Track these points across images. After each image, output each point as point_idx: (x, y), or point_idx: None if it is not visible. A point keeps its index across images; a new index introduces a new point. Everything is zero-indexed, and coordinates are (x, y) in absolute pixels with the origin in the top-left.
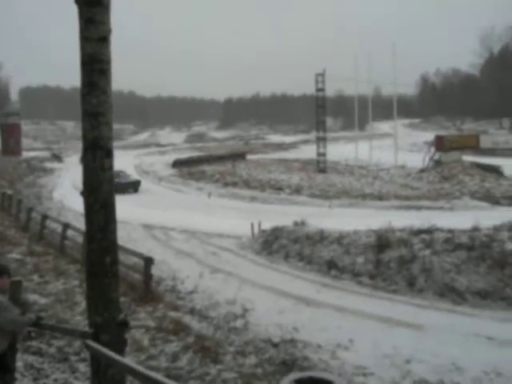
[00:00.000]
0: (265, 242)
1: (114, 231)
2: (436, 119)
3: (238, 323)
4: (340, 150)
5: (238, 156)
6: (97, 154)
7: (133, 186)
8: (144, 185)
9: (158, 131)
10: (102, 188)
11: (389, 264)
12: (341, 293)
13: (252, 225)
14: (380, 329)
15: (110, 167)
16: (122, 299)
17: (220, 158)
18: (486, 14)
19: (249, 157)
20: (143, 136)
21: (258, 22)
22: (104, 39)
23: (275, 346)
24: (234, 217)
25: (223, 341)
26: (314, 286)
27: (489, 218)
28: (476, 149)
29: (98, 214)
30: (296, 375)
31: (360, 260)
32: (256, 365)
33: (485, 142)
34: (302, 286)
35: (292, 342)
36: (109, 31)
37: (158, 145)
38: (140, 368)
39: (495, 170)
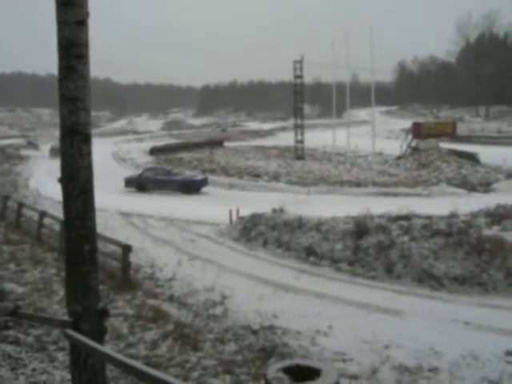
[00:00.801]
0: (243, 228)
1: (92, 219)
2: (413, 106)
3: (217, 310)
4: (318, 137)
5: (216, 143)
6: (75, 140)
7: (193, 185)
8: (121, 172)
9: (135, 118)
10: (80, 174)
11: (367, 250)
12: (319, 279)
13: (230, 212)
14: (359, 315)
15: (89, 153)
16: (100, 287)
17: (198, 145)
18: (464, 2)
19: (226, 144)
20: (120, 123)
21: (235, 8)
22: (82, 23)
23: (255, 332)
24: (212, 204)
25: (202, 328)
26: (292, 272)
27: (466, 204)
28: (453, 136)
29: (76, 202)
30: (284, 363)
31: (338, 246)
32: (236, 352)
33: (461, 129)
34: (280, 273)
35: (271, 328)
36: (86, 15)
37: (135, 132)
38: (120, 356)
39: (472, 157)
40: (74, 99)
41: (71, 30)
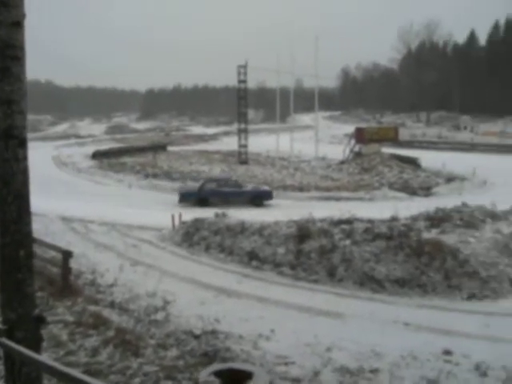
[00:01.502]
0: (185, 233)
1: (28, 224)
2: (356, 112)
3: (159, 316)
4: (261, 142)
5: (159, 147)
6: (10, 144)
7: (264, 197)
8: (62, 177)
9: (78, 122)
10: (15, 179)
11: (309, 254)
12: (262, 283)
13: (173, 216)
14: (301, 318)
15: (25, 157)
16: (38, 294)
17: (141, 150)
18: (405, 12)
19: (170, 148)
20: (62, 127)
21: (181, 14)
22: (17, 24)
23: (197, 337)
24: (154, 208)
25: (144, 334)
26: (235, 276)
27: (407, 208)
28: (395, 141)
29: (11, 206)
30: (215, 367)
31: (281, 250)
32: (177, 357)
33: (403, 134)
34: (223, 277)
35: (213, 333)
36: (23, 16)
37: (78, 136)
38: (56, 365)
39: (413, 162)
40: (10, 102)
41: (6, 31)
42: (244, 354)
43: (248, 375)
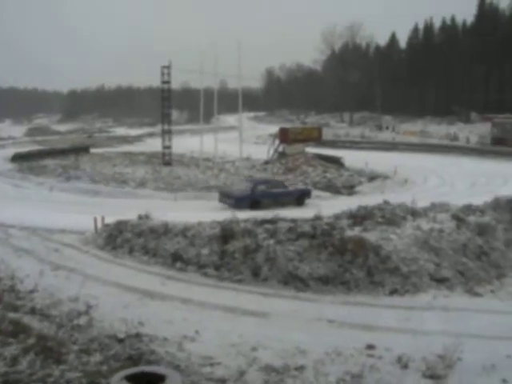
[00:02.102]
0: (108, 236)
1: None
2: (281, 112)
3: (82, 320)
4: (186, 143)
5: (82, 149)
6: None
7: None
8: None
9: None
10: None
11: (233, 254)
12: (186, 285)
13: (95, 219)
14: (226, 319)
15: None
16: None
17: (62, 152)
18: (329, 13)
19: (93, 150)
20: None
21: (105, 11)
22: None
23: (121, 341)
24: (77, 211)
25: (66, 340)
26: (159, 279)
27: (330, 206)
28: (319, 141)
29: None
30: (127, 371)
31: (205, 251)
32: (101, 362)
33: (327, 134)
34: (146, 280)
35: (138, 336)
36: None
37: None
38: None
39: (336, 161)
40: None
41: None
42: (169, 357)
43: (161, 378)
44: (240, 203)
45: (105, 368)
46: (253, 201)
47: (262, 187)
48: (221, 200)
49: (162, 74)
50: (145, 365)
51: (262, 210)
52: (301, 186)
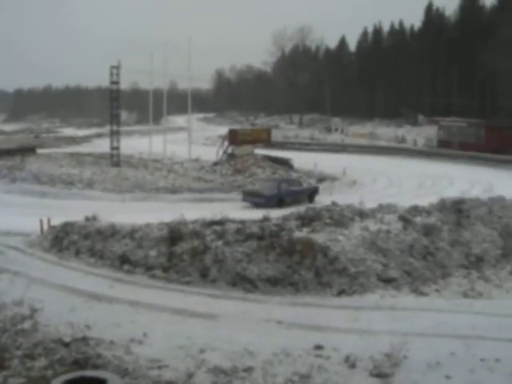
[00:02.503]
0: (54, 238)
1: None
2: (230, 114)
3: (26, 325)
4: (135, 144)
5: (28, 150)
6: None
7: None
8: None
9: None
10: None
11: (182, 256)
12: (134, 287)
13: (41, 221)
14: (174, 321)
15: None
16: None
17: (8, 152)
18: (279, 15)
19: (39, 151)
20: None
21: (51, 10)
22: None
23: (66, 345)
24: (22, 213)
25: (10, 345)
26: (106, 281)
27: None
28: (268, 142)
29: None
30: (67, 376)
31: (153, 253)
32: (46, 367)
33: (276, 136)
34: (93, 282)
35: (84, 340)
36: None
37: None
38: None
39: (285, 163)
40: None
41: None
42: (116, 360)
43: (101, 382)
44: (270, 201)
45: (50, 373)
46: (279, 199)
47: (284, 185)
48: (245, 199)
49: (111, 74)
50: (91, 369)
51: (285, 207)
52: (312, 184)
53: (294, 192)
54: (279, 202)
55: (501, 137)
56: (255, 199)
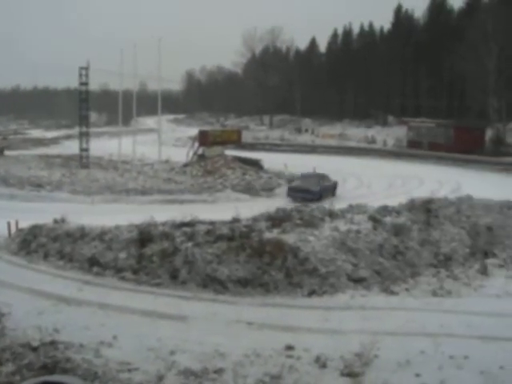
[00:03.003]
0: (22, 241)
1: None
2: (201, 115)
3: None
4: (104, 146)
5: None
6: None
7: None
8: None
9: None
10: None
11: (151, 258)
12: (103, 289)
13: (9, 224)
14: (144, 323)
15: None
16: None
17: None
18: (250, 16)
19: (7, 153)
20: None
21: (21, 11)
22: None
23: (35, 350)
24: None
25: None
26: (75, 284)
27: (249, 209)
28: (238, 143)
29: None
30: (29, 381)
31: (122, 255)
32: (13, 372)
33: (247, 137)
34: (62, 285)
35: (53, 344)
36: None
37: None
38: None
39: (256, 164)
40: None
41: None
42: (85, 364)
43: None
44: (316, 196)
45: (17, 378)
46: (321, 194)
47: (322, 181)
48: (290, 195)
49: (80, 76)
50: (60, 373)
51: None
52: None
53: (326, 187)
54: (321, 196)
55: (469, 137)
56: (303, 195)
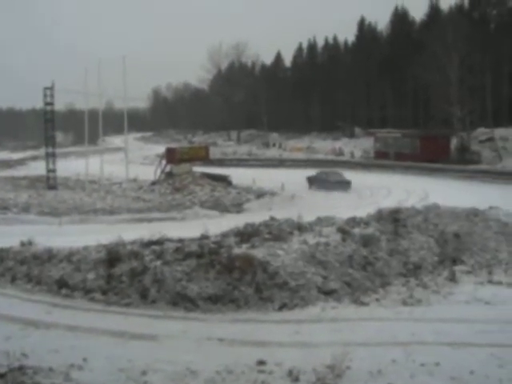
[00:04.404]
0: None
1: None
2: (168, 132)
3: None
4: (71, 166)
5: None
6: None
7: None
8: None
9: None
10: None
11: (120, 278)
12: (72, 311)
13: None
14: (114, 344)
15: None
16: None
17: None
18: (215, 32)
19: None
20: None
21: None
22: None
23: (2, 376)
24: None
25: None
26: (43, 307)
27: (218, 225)
28: (206, 160)
29: None
30: None
31: (91, 276)
32: None
33: (215, 153)
34: (30, 309)
35: (21, 369)
36: None
37: None
38: None
39: (224, 180)
40: None
41: None
42: None
43: None
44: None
45: None
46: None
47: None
48: (317, 186)
49: (45, 96)
50: None
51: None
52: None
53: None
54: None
55: (435, 146)
56: (334, 186)
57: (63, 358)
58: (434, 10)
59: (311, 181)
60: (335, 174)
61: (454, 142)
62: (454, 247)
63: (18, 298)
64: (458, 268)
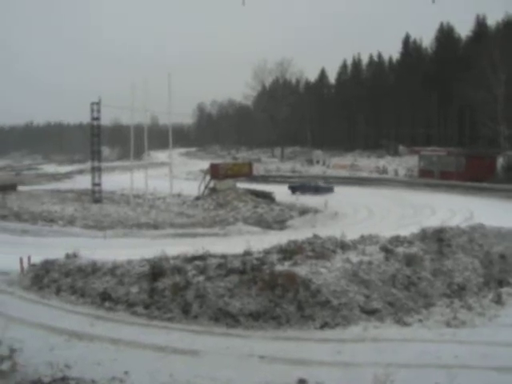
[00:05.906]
0: (35, 276)
1: None
2: (212, 148)
3: (5, 366)
4: (116, 180)
5: (9, 187)
6: None
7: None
8: None
9: None
10: None
11: (163, 292)
12: (115, 324)
13: (21, 259)
14: (156, 358)
15: None
16: None
17: None
18: (260, 50)
19: (20, 188)
20: None
21: (32, 46)
22: None
23: None
24: (2, 251)
25: None
26: (87, 319)
27: (260, 241)
28: (249, 176)
29: None
30: None
31: (134, 290)
32: None
33: (258, 169)
34: (74, 321)
35: (64, 380)
36: None
37: None
38: None
39: (267, 196)
40: None
41: None
42: None
43: None
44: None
45: None
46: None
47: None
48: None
49: (92, 111)
50: None
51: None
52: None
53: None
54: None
55: (480, 165)
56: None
57: (105, 371)
58: (481, 27)
59: (294, 188)
60: (315, 182)
61: (500, 161)
62: (499, 268)
63: (63, 310)
64: (503, 290)
